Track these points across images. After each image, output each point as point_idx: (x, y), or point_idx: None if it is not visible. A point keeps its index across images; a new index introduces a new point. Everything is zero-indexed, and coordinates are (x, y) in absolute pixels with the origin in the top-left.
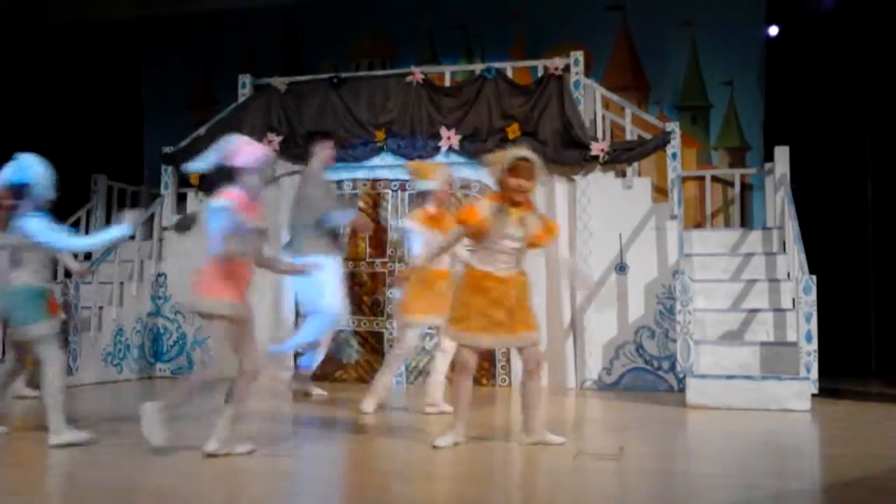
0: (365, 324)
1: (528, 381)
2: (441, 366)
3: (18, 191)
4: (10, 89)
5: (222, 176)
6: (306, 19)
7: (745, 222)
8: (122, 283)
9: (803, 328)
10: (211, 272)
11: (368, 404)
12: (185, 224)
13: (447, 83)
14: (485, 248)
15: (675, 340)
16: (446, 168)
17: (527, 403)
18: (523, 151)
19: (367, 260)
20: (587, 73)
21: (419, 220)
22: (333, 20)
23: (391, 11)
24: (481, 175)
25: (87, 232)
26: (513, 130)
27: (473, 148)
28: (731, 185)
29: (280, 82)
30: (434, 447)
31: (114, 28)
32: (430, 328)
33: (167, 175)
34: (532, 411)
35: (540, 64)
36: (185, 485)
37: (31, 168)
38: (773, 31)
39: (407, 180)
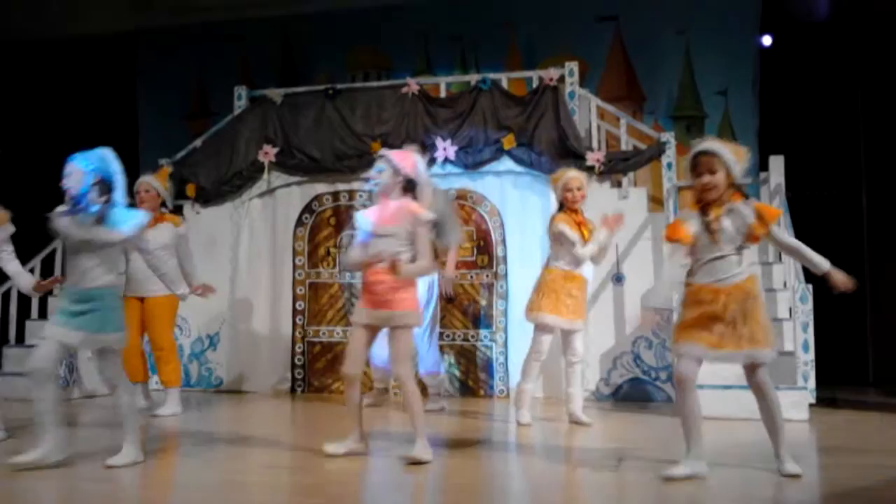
0: None
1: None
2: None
3: (110, 184)
4: (5, 103)
5: (219, 187)
6: (303, 31)
7: None
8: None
9: (800, 338)
10: None
11: (523, 416)
12: None
13: (442, 94)
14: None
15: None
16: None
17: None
18: (702, 144)
19: None
20: (582, 84)
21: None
22: (329, 32)
23: (387, 23)
24: (478, 185)
25: None
26: (508, 141)
27: (469, 159)
28: None
29: (276, 94)
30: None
31: (109, 39)
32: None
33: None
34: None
35: (535, 74)
36: None
37: (113, 161)
38: (767, 40)
39: None
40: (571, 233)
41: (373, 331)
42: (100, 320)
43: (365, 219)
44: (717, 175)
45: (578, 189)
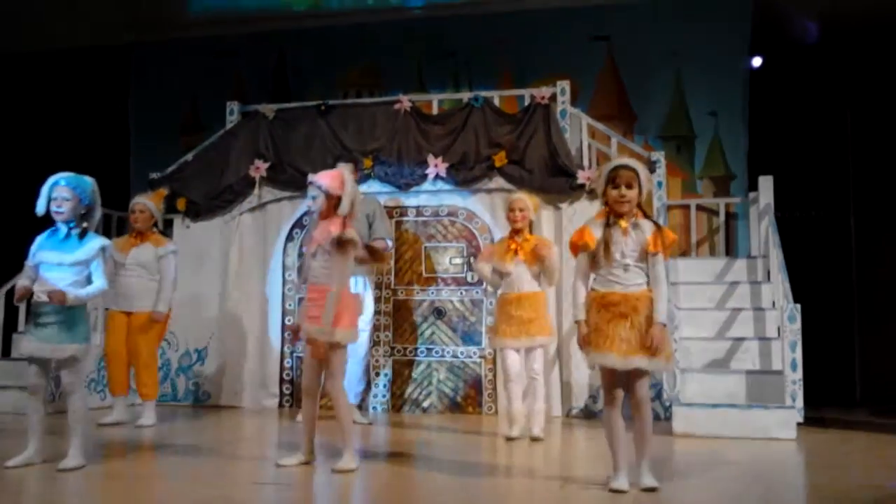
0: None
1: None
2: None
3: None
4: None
5: (210, 202)
6: (296, 48)
7: (730, 251)
8: (106, 309)
9: (788, 357)
10: None
11: (514, 430)
12: None
13: (435, 111)
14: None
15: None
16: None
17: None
18: (623, 160)
19: None
20: (573, 103)
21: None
22: (323, 49)
23: (380, 40)
24: (468, 202)
25: None
26: (500, 158)
27: (460, 176)
28: (716, 213)
29: (268, 109)
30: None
31: (101, 53)
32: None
33: (166, 188)
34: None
35: (527, 93)
36: None
37: (98, 193)
38: (757, 62)
39: (393, 207)
40: (485, 266)
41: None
42: (64, 331)
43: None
44: (633, 190)
45: (521, 210)
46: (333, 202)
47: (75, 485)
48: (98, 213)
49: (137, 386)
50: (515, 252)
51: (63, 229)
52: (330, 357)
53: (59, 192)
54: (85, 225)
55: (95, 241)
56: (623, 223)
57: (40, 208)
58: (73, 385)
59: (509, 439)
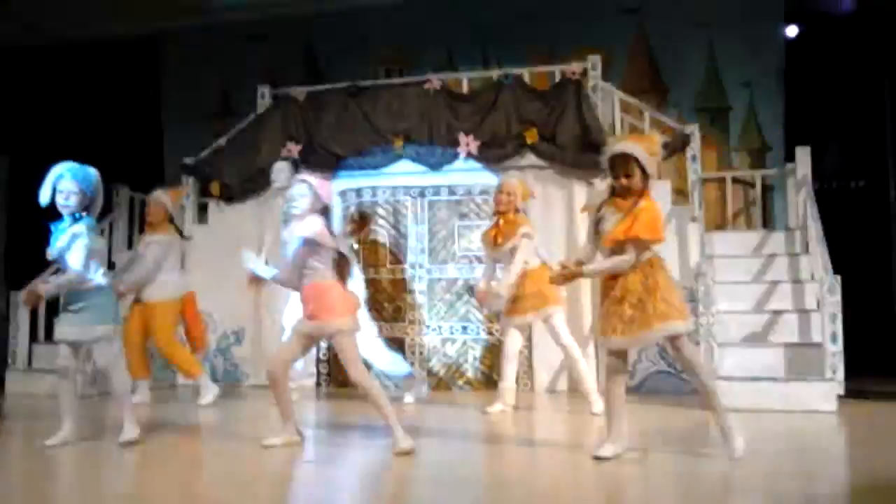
0: (386, 330)
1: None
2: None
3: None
4: (33, 104)
5: (243, 185)
6: (325, 30)
7: (767, 223)
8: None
9: (828, 329)
10: None
11: (494, 407)
12: None
13: (464, 89)
14: None
15: (698, 343)
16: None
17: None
18: (616, 147)
19: (388, 266)
20: (605, 77)
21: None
22: (351, 30)
23: (409, 20)
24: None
25: (110, 242)
26: (531, 135)
27: (492, 153)
28: (752, 186)
29: (299, 92)
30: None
31: (134, 40)
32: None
33: (188, 185)
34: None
35: (557, 69)
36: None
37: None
38: (792, 31)
39: (425, 187)
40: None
41: (311, 340)
42: (91, 314)
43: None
44: (633, 178)
45: (508, 194)
46: (318, 208)
47: (132, 460)
48: (100, 204)
49: (179, 372)
50: (496, 238)
51: (69, 222)
52: (341, 347)
53: (66, 185)
54: (88, 216)
55: (74, 227)
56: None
57: (44, 198)
58: (110, 365)
59: (483, 413)
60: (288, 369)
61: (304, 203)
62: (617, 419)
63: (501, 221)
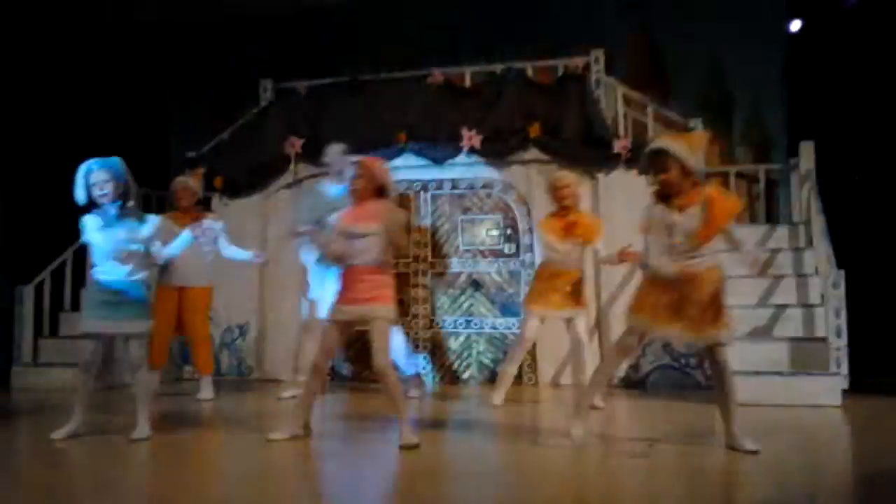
0: None
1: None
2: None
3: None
4: (37, 95)
5: (246, 179)
6: (328, 24)
7: (771, 218)
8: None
9: (833, 323)
10: None
11: (497, 397)
12: None
13: (467, 84)
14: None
15: None
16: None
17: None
18: (653, 144)
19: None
20: (608, 72)
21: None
22: (355, 24)
23: (412, 14)
24: (504, 174)
25: None
26: (534, 130)
27: (495, 148)
28: (756, 180)
29: (301, 86)
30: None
31: (138, 33)
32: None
33: (201, 169)
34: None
35: (560, 63)
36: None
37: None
38: (796, 25)
39: (429, 181)
40: (546, 238)
41: (349, 326)
42: (132, 309)
43: (341, 219)
44: (671, 172)
45: (566, 187)
46: (374, 188)
47: (144, 454)
48: (135, 188)
49: (195, 362)
50: (565, 230)
51: (112, 210)
52: (377, 334)
53: (97, 176)
54: (132, 203)
55: (155, 219)
56: (677, 203)
57: (81, 197)
58: (141, 359)
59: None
60: (331, 358)
61: (361, 183)
62: (590, 397)
63: (571, 216)
